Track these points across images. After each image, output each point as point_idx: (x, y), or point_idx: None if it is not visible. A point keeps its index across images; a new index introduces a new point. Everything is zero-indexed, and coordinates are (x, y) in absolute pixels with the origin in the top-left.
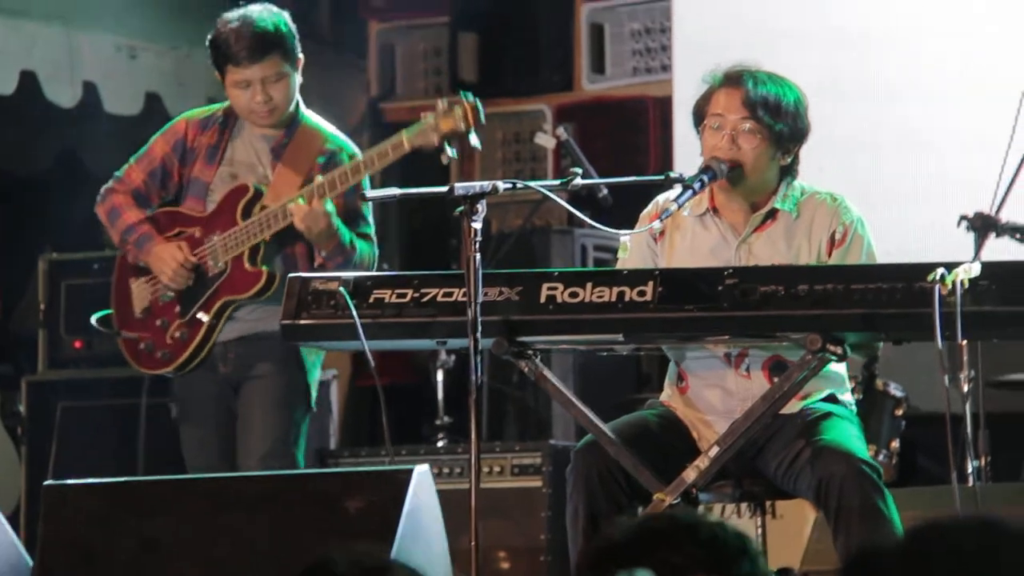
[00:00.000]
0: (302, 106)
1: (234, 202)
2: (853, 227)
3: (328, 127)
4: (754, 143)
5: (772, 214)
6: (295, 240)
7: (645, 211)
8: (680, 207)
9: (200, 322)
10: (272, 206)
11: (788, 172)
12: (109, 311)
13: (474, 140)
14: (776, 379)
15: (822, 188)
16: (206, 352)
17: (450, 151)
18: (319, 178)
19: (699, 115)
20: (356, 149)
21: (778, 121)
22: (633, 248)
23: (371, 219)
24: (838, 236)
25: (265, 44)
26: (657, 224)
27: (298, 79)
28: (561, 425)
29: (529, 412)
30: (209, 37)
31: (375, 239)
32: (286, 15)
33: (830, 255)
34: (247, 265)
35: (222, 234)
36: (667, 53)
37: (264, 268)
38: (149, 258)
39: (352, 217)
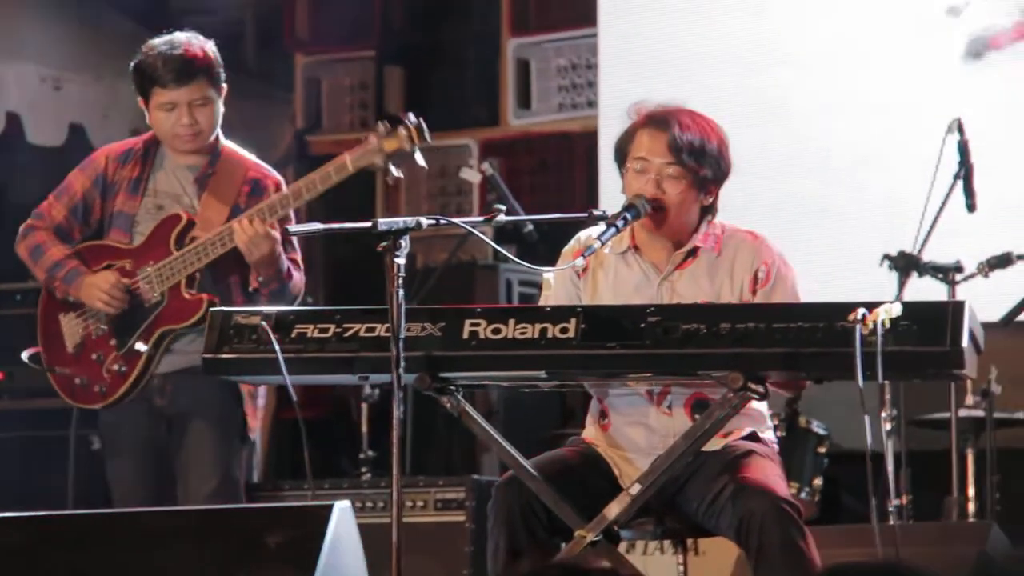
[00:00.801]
0: (221, 136)
1: (167, 232)
2: (775, 265)
3: (250, 156)
4: (679, 188)
5: (693, 252)
6: (229, 270)
7: (567, 248)
8: (603, 244)
9: (138, 353)
10: (203, 236)
11: (709, 211)
12: (36, 352)
13: (420, 159)
14: (698, 416)
15: (742, 226)
16: (143, 384)
17: (395, 171)
18: (263, 203)
19: (621, 154)
20: (279, 176)
21: (702, 165)
22: (556, 285)
23: (297, 245)
24: (761, 275)
25: (192, 68)
26: (580, 261)
27: (221, 108)
28: (486, 460)
29: (452, 447)
30: (133, 62)
31: (301, 265)
32: (212, 44)
33: (754, 294)
34: (186, 294)
35: (156, 264)
36: (593, 89)
37: (203, 295)
38: (80, 291)
39: (281, 242)
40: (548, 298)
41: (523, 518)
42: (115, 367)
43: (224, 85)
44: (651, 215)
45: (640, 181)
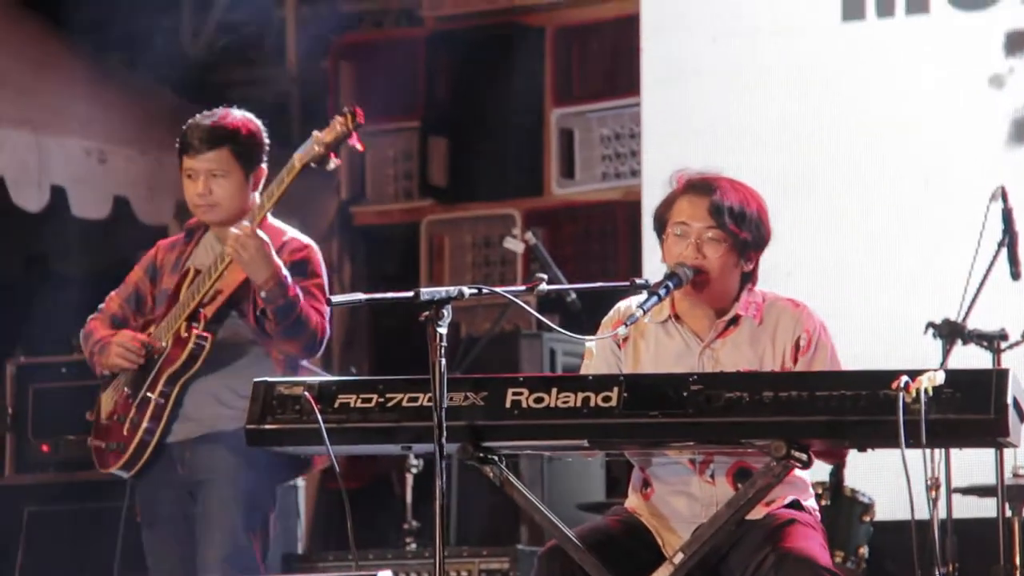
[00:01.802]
0: (269, 216)
1: (178, 287)
2: (816, 334)
3: (291, 230)
4: (719, 251)
5: (735, 320)
6: (243, 313)
7: (606, 318)
8: (645, 312)
9: (147, 400)
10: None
11: (749, 278)
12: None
13: (355, 143)
14: (740, 485)
15: (784, 294)
16: (158, 432)
17: (334, 161)
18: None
19: (661, 222)
20: (309, 241)
21: (742, 229)
22: (597, 355)
23: (317, 296)
24: (803, 343)
25: (216, 136)
26: (622, 330)
27: (247, 184)
28: (529, 529)
29: (496, 516)
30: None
31: (325, 314)
32: (259, 124)
33: (795, 362)
34: (182, 334)
35: (166, 318)
36: (636, 158)
37: (193, 332)
38: (108, 357)
39: (307, 296)
40: (589, 368)
41: None
42: (130, 421)
43: (262, 167)
44: (692, 281)
45: (680, 246)
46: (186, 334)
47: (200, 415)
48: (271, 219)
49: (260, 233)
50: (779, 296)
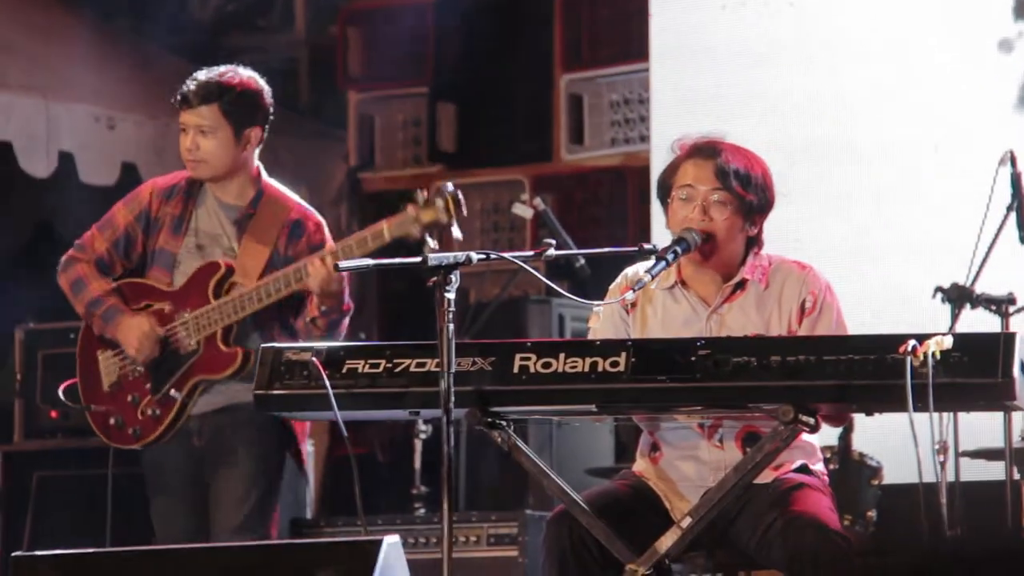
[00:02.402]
0: (264, 175)
1: (205, 280)
2: (822, 295)
3: (291, 195)
4: (726, 214)
5: (742, 284)
6: (273, 320)
7: (613, 284)
8: (653, 278)
9: (173, 400)
10: (241, 285)
11: (754, 242)
12: (75, 380)
13: (456, 232)
14: (749, 450)
15: (788, 257)
16: (177, 429)
17: (431, 242)
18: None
19: (665, 187)
20: (319, 217)
21: (748, 192)
22: (604, 320)
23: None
24: (808, 305)
25: (208, 92)
26: (630, 295)
27: (242, 146)
28: (538, 494)
29: (504, 481)
30: None
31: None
32: (262, 84)
33: (800, 324)
34: (221, 345)
35: (193, 312)
36: (645, 124)
37: (239, 348)
38: (117, 331)
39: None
40: (596, 333)
41: (574, 553)
42: (149, 411)
43: (257, 127)
44: (699, 245)
45: (686, 209)
46: (227, 348)
47: (218, 388)
48: (278, 185)
49: (340, 271)
50: (785, 259)
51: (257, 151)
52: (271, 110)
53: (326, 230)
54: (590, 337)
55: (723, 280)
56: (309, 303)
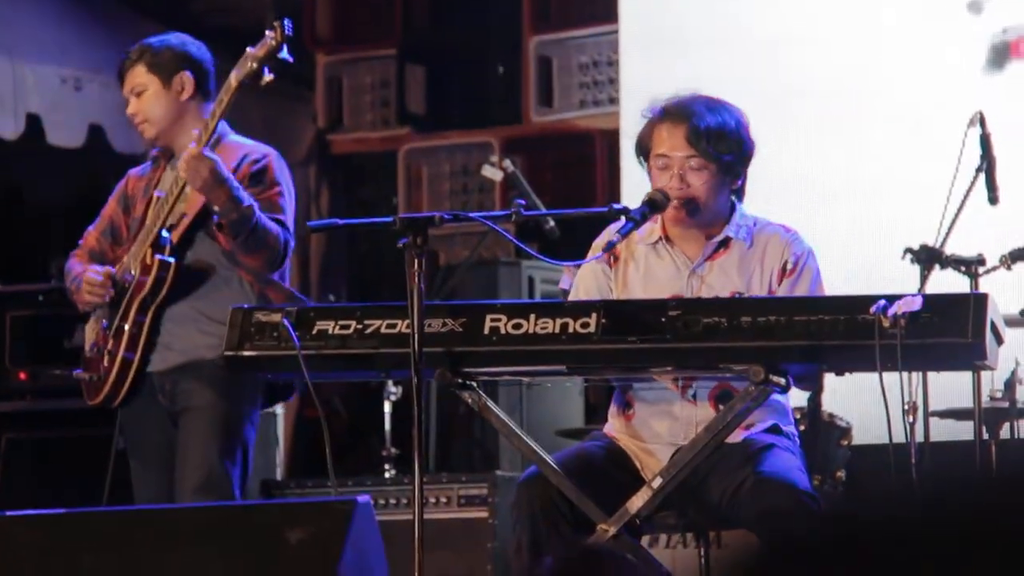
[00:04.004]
0: (228, 130)
1: (144, 213)
2: (804, 258)
3: (250, 142)
4: (704, 178)
5: (725, 243)
6: (207, 227)
7: (597, 241)
8: (623, 238)
9: (121, 330)
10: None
11: (738, 193)
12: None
13: (285, 54)
14: (722, 407)
15: (775, 221)
16: (135, 363)
17: (268, 76)
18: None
19: (643, 149)
20: (269, 151)
21: (723, 151)
22: (587, 275)
23: (288, 213)
24: (789, 266)
25: (131, 58)
26: (599, 256)
27: (175, 94)
28: (508, 456)
29: (476, 443)
30: None
31: (290, 229)
32: (188, 40)
33: (779, 284)
34: (147, 261)
35: (135, 244)
36: (614, 86)
37: (156, 257)
38: (80, 293)
39: (266, 208)
40: (578, 286)
41: (546, 514)
42: (107, 352)
43: (184, 73)
44: (681, 209)
45: (664, 178)
46: (150, 261)
47: (179, 344)
48: (233, 137)
49: (208, 152)
50: (770, 222)
51: (207, 106)
52: (206, 65)
53: (272, 161)
54: (573, 290)
55: (707, 238)
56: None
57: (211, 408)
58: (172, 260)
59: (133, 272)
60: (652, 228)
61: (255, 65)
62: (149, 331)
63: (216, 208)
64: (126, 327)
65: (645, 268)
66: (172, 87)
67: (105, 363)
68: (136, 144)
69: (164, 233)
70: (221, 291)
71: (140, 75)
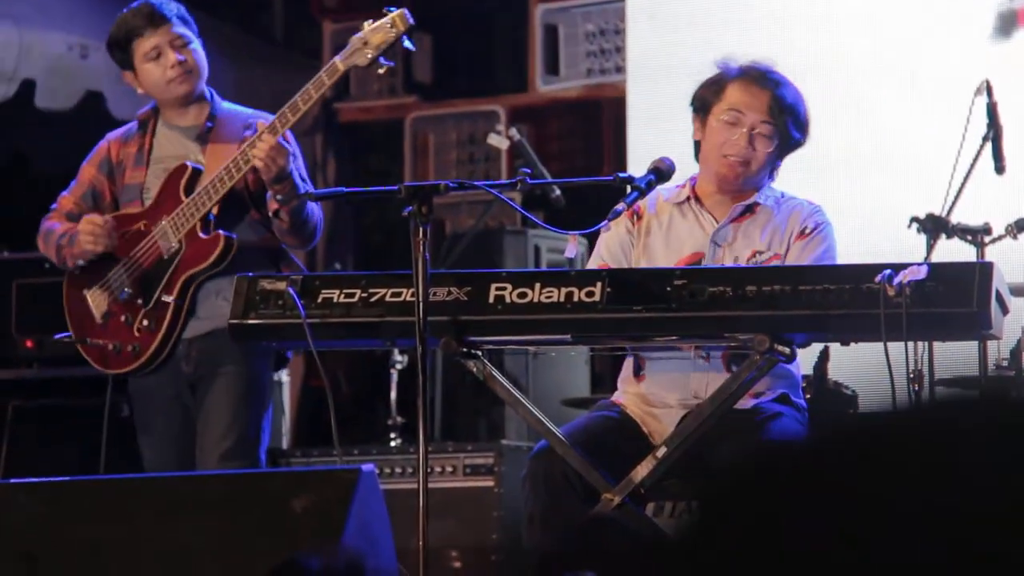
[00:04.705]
0: (217, 96)
1: (175, 184)
2: (821, 228)
3: (247, 110)
4: (769, 147)
5: (752, 208)
6: (244, 207)
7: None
8: (628, 207)
9: (166, 304)
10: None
11: (772, 172)
12: (67, 334)
13: (407, 43)
14: (735, 368)
15: (800, 197)
16: (177, 334)
17: (384, 62)
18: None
19: (705, 103)
20: (270, 119)
21: (795, 129)
22: (612, 234)
23: (308, 180)
24: (807, 231)
25: (162, 12)
26: (603, 224)
27: (204, 55)
28: (514, 425)
29: (482, 412)
30: (107, 41)
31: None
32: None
33: (794, 244)
34: (201, 235)
35: (169, 216)
36: (621, 54)
37: (220, 232)
38: (76, 244)
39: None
40: (601, 245)
41: (557, 486)
42: (145, 323)
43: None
44: (736, 167)
45: (729, 133)
46: (206, 234)
47: (205, 311)
48: (226, 105)
49: (283, 143)
50: (796, 196)
51: None
52: None
53: (288, 133)
54: (595, 252)
55: (733, 201)
56: (270, 200)
57: (237, 375)
58: (235, 237)
59: (177, 243)
60: (680, 189)
61: (371, 54)
62: (190, 305)
63: (279, 196)
64: (170, 300)
65: (668, 226)
66: (202, 47)
67: (138, 333)
68: (133, 111)
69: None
70: (253, 268)
71: (180, 27)
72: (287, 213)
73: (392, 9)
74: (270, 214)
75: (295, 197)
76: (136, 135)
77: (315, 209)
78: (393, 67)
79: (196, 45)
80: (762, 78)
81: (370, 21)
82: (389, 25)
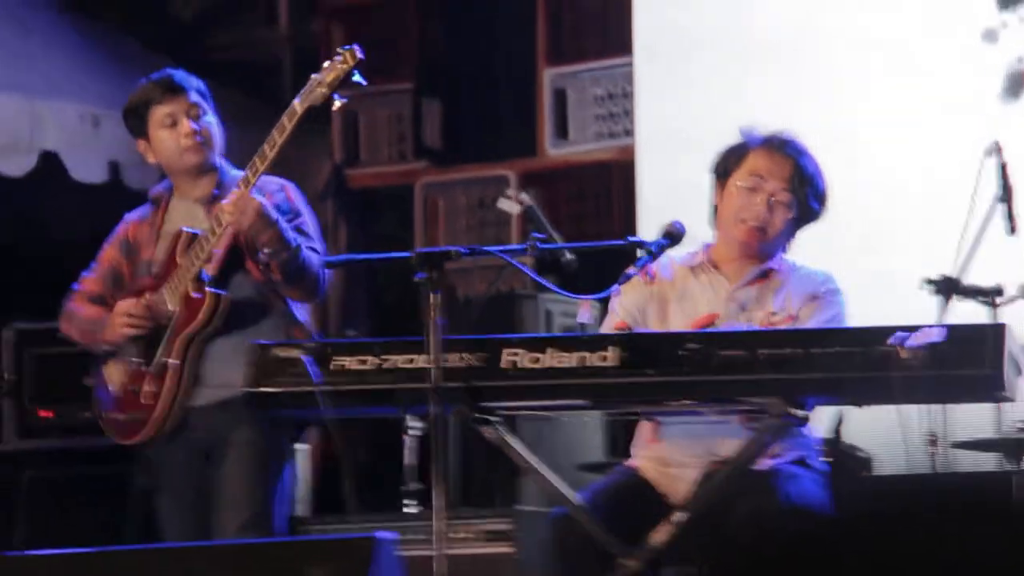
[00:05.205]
0: (228, 165)
1: (172, 251)
2: (834, 295)
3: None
4: (787, 216)
5: (767, 273)
6: (242, 260)
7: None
8: (640, 270)
9: (165, 366)
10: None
11: (788, 244)
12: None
13: (358, 78)
14: (753, 426)
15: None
16: (180, 397)
17: (338, 99)
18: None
19: (726, 168)
20: (282, 183)
21: (814, 200)
22: (629, 292)
23: (317, 239)
24: (817, 296)
25: (179, 82)
26: (615, 288)
27: (218, 128)
28: (531, 490)
29: (498, 476)
30: (123, 109)
31: (324, 254)
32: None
33: (804, 307)
34: (193, 295)
35: (167, 282)
36: (630, 118)
37: (207, 290)
38: (109, 332)
39: (280, 213)
40: (618, 305)
41: (576, 552)
42: (148, 389)
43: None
44: (752, 233)
45: (749, 198)
46: (198, 294)
47: (217, 379)
48: (235, 173)
49: (255, 195)
50: (809, 266)
51: None
52: None
53: (290, 191)
54: (610, 312)
55: (749, 266)
56: (260, 251)
57: (251, 445)
58: (224, 293)
59: (173, 307)
60: (695, 252)
61: (324, 91)
62: (192, 365)
63: (266, 249)
64: (169, 361)
65: (682, 290)
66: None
67: (143, 401)
68: (149, 182)
69: (203, 270)
70: (259, 327)
71: (195, 97)
72: (276, 267)
73: (345, 47)
74: (261, 267)
75: (285, 250)
76: (151, 214)
77: (314, 260)
78: (346, 101)
79: (211, 118)
80: (784, 146)
81: (327, 62)
82: (340, 61)
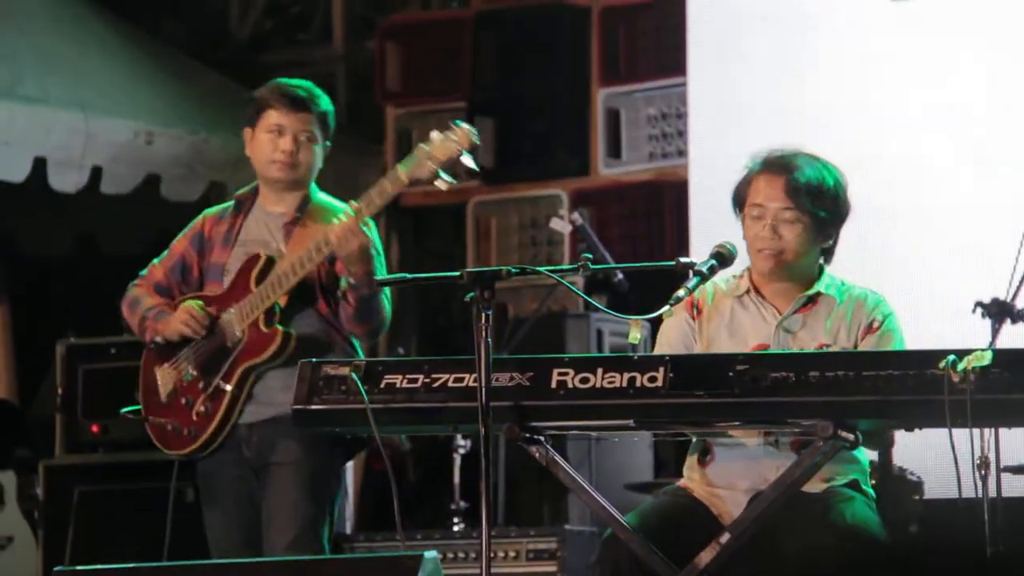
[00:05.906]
0: (316, 189)
1: (248, 272)
2: (888, 320)
3: (339, 204)
4: (796, 231)
5: (814, 298)
6: (313, 298)
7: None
8: (690, 292)
9: (223, 392)
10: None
11: (829, 253)
12: (137, 407)
13: (469, 161)
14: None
15: (860, 285)
16: (232, 422)
17: (446, 177)
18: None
19: (739, 200)
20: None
21: (819, 207)
22: (672, 326)
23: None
24: (875, 325)
25: (308, 101)
26: (666, 309)
27: (321, 156)
28: (577, 509)
29: (545, 496)
30: (254, 93)
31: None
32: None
33: (863, 340)
34: (262, 328)
35: (238, 304)
36: (683, 138)
37: (279, 328)
38: (167, 326)
39: None
40: (662, 337)
41: (625, 573)
42: (202, 408)
43: (329, 144)
44: (771, 260)
45: (757, 227)
46: (268, 329)
47: (268, 397)
48: (326, 197)
49: (365, 229)
50: (856, 285)
51: None
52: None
53: (371, 225)
54: (657, 344)
55: (797, 291)
56: (346, 274)
57: (300, 464)
58: (293, 332)
59: (240, 333)
60: (739, 282)
61: (432, 167)
62: (248, 395)
63: (352, 280)
64: (228, 388)
65: (730, 319)
66: (324, 153)
67: (196, 417)
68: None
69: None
70: (309, 356)
71: (313, 124)
72: (355, 298)
73: (460, 123)
74: (340, 295)
75: (367, 286)
76: (230, 214)
77: (385, 304)
78: (455, 184)
79: (319, 148)
80: (778, 164)
81: (437, 133)
82: (454, 141)
